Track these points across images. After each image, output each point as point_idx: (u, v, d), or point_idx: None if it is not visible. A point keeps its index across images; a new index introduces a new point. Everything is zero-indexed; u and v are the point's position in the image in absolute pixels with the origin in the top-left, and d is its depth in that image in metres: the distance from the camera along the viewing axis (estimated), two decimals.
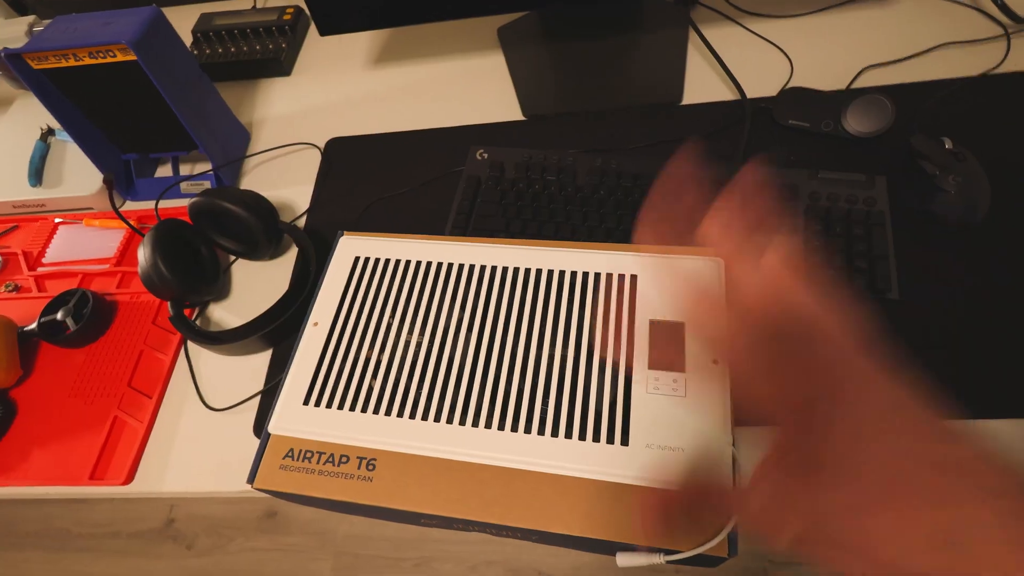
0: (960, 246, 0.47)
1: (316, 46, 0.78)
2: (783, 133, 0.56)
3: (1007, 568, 0.17)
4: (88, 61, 0.53)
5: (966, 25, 0.59)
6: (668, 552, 0.33)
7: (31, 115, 0.72)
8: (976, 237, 0.47)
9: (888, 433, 0.21)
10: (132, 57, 0.52)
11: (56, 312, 0.55)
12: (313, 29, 0.79)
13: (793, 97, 0.56)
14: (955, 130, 0.51)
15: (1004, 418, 0.40)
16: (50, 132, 0.71)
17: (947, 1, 0.61)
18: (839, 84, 0.58)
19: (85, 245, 0.64)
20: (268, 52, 0.74)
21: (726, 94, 0.60)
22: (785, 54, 0.62)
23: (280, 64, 0.74)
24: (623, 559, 0.35)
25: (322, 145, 0.66)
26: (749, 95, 0.59)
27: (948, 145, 0.49)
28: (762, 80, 0.60)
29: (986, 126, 0.52)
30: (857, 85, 0.58)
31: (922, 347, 0.43)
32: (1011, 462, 0.20)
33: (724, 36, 0.64)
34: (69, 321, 0.55)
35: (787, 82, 0.59)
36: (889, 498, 0.20)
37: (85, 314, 0.55)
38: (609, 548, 0.35)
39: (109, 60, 0.53)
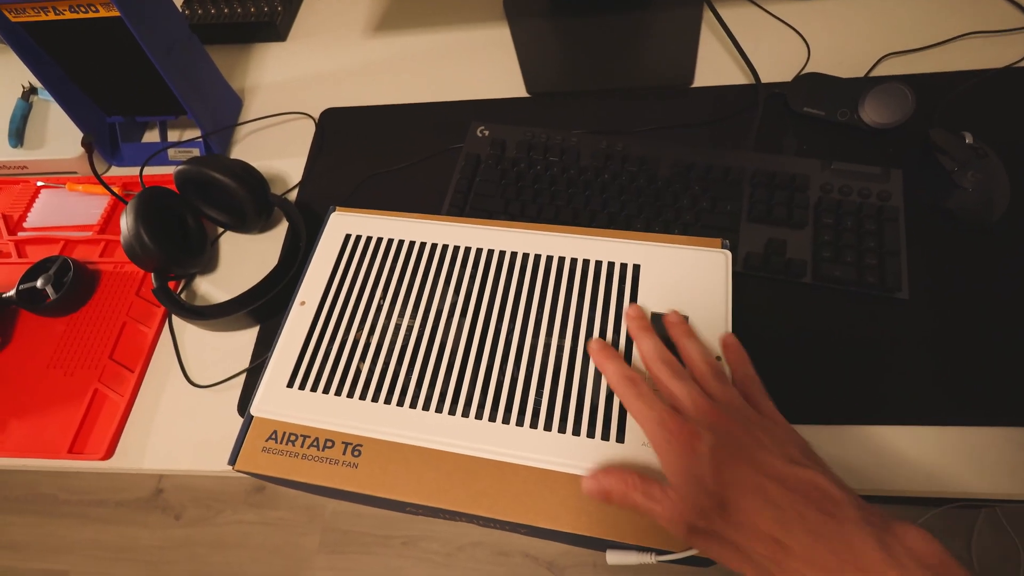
0: (976, 246, 0.45)
1: (313, 11, 0.74)
2: (797, 120, 0.54)
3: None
4: (69, 15, 0.50)
5: (992, 14, 0.57)
6: (660, 552, 0.32)
7: (12, 73, 0.69)
8: (992, 237, 0.45)
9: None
10: (115, 13, 0.49)
11: (36, 279, 0.53)
12: None
13: (809, 83, 0.54)
14: (976, 124, 0.49)
15: (1013, 426, 0.39)
16: (32, 91, 0.68)
17: None
18: (858, 71, 0.55)
19: (68, 210, 0.62)
20: (263, 15, 0.71)
21: (739, 77, 0.58)
22: (802, 37, 0.59)
23: (275, 28, 0.71)
24: (613, 557, 0.34)
25: (317, 115, 0.64)
26: (763, 79, 0.56)
27: (968, 140, 0.47)
28: (777, 64, 0.57)
29: (1009, 121, 0.50)
30: (876, 73, 0.55)
31: (931, 349, 0.42)
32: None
33: (739, 16, 0.61)
34: (49, 289, 0.53)
35: (803, 67, 0.57)
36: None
37: (66, 282, 0.53)
38: (599, 545, 0.34)
39: (91, 15, 0.50)
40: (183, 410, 0.49)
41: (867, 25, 0.59)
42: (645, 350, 0.34)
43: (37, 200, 0.63)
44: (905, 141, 0.50)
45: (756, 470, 0.26)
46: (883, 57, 0.56)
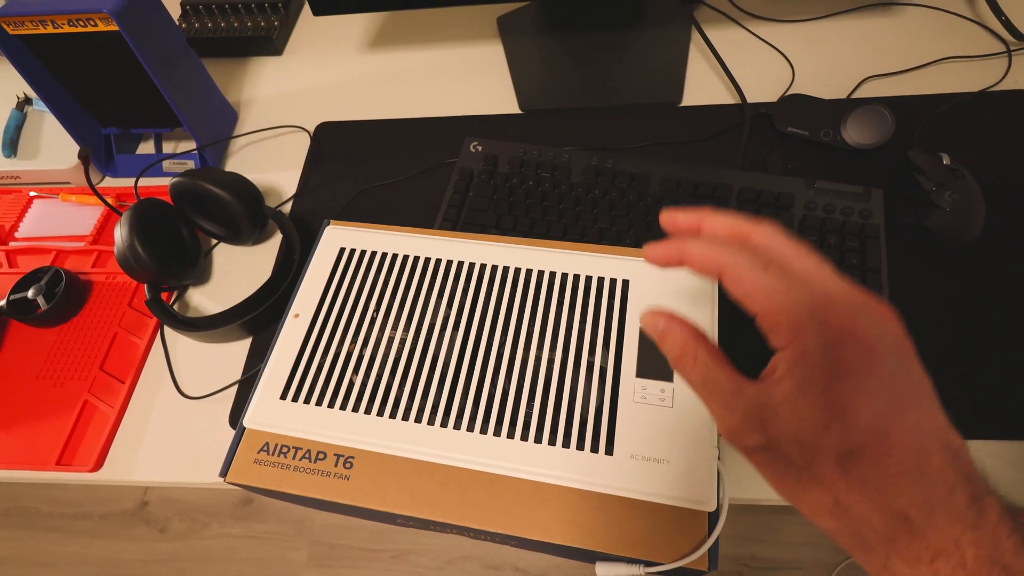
0: (953, 264, 0.46)
1: (309, 26, 0.75)
2: (782, 140, 0.55)
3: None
4: (68, 29, 0.51)
5: (969, 40, 0.59)
6: (649, 564, 0.33)
7: (7, 83, 0.69)
8: (969, 255, 0.46)
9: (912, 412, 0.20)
10: (114, 27, 0.49)
11: (27, 289, 0.53)
12: (307, 8, 0.77)
13: (793, 104, 0.56)
14: (953, 146, 0.50)
15: (990, 439, 0.40)
16: (27, 101, 0.68)
17: (951, 15, 0.61)
18: (840, 93, 0.57)
19: (60, 221, 0.62)
20: (260, 29, 0.72)
21: (726, 97, 0.59)
22: (787, 59, 0.61)
23: (271, 43, 0.72)
24: (602, 569, 0.34)
25: (312, 129, 0.65)
26: (749, 99, 0.58)
27: (946, 161, 0.49)
28: (763, 85, 0.59)
29: (984, 143, 0.52)
30: (858, 95, 0.57)
31: None
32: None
33: (726, 38, 0.63)
34: (40, 299, 0.53)
35: (788, 88, 0.59)
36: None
37: (57, 293, 0.53)
38: (589, 557, 0.35)
39: (90, 29, 0.51)
40: (174, 422, 0.49)
41: (849, 48, 0.61)
42: (727, 222, 0.24)
43: (29, 210, 0.63)
44: (886, 161, 0.52)
45: (933, 427, 0.19)
46: (864, 79, 0.58)
